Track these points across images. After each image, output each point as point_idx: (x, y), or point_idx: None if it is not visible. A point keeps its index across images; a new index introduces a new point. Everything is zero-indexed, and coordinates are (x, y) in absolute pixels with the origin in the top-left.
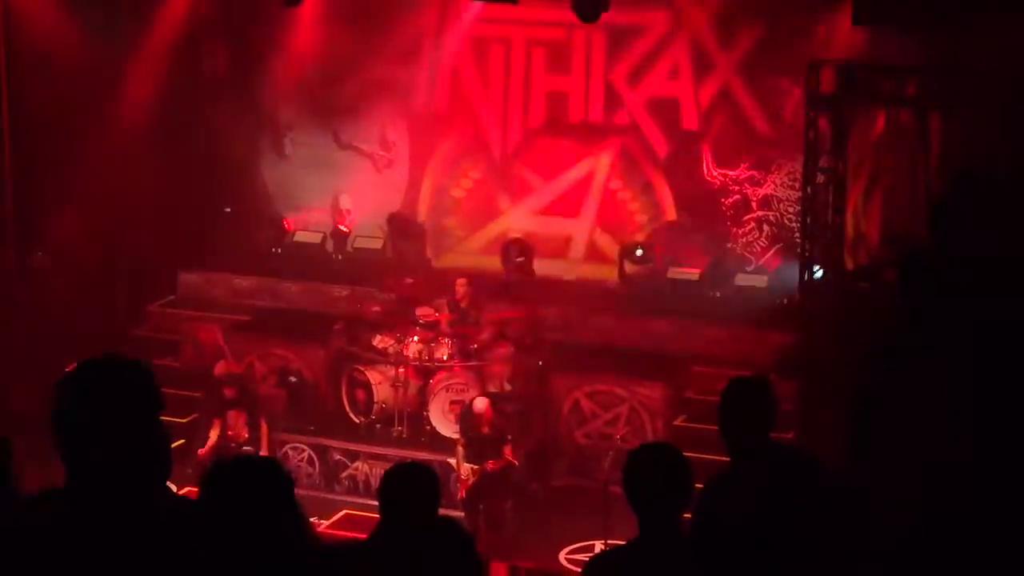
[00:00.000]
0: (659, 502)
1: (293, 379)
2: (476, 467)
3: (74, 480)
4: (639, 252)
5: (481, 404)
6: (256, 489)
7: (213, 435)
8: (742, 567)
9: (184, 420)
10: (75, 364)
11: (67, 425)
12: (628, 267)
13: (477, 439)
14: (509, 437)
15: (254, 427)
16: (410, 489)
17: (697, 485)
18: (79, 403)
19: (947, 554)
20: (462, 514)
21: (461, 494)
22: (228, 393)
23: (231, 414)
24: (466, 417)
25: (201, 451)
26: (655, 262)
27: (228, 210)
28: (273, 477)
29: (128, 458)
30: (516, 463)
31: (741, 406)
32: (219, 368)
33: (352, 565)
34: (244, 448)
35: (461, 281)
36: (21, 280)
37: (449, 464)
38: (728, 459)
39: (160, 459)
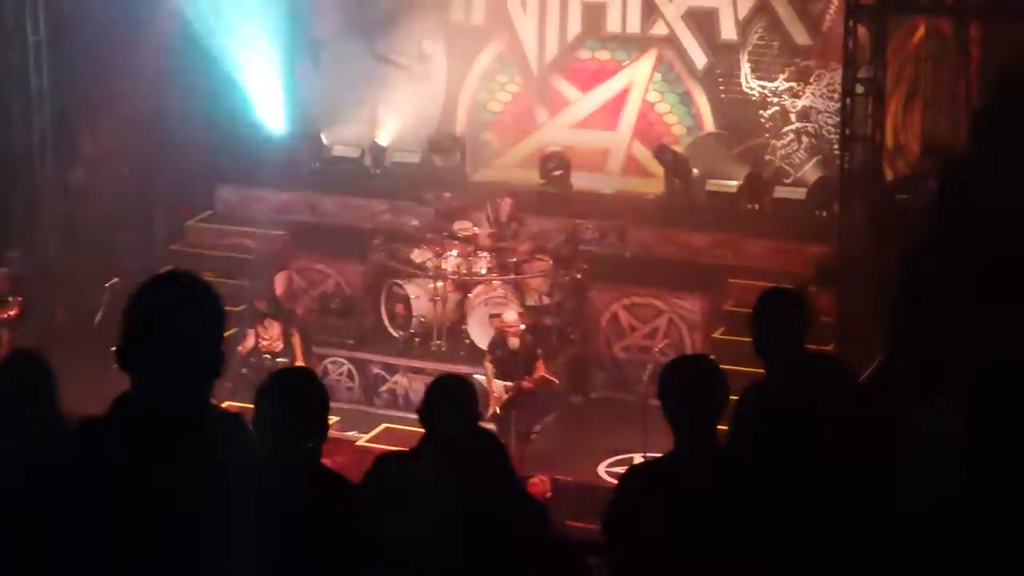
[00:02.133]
0: (695, 414)
1: (333, 306)
2: (509, 384)
3: (138, 390)
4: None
5: (511, 318)
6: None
7: (247, 346)
8: (776, 477)
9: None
10: (116, 280)
11: (142, 336)
12: (667, 179)
13: (507, 355)
14: (540, 352)
15: (287, 338)
16: (453, 401)
17: (733, 397)
18: (157, 315)
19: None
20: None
21: (492, 411)
22: (259, 305)
23: (263, 324)
24: (496, 335)
25: (240, 349)
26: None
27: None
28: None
29: (194, 371)
30: (555, 380)
31: (774, 317)
32: (279, 279)
33: (396, 476)
34: (279, 360)
35: (507, 200)
36: (60, 197)
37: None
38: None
39: (219, 372)
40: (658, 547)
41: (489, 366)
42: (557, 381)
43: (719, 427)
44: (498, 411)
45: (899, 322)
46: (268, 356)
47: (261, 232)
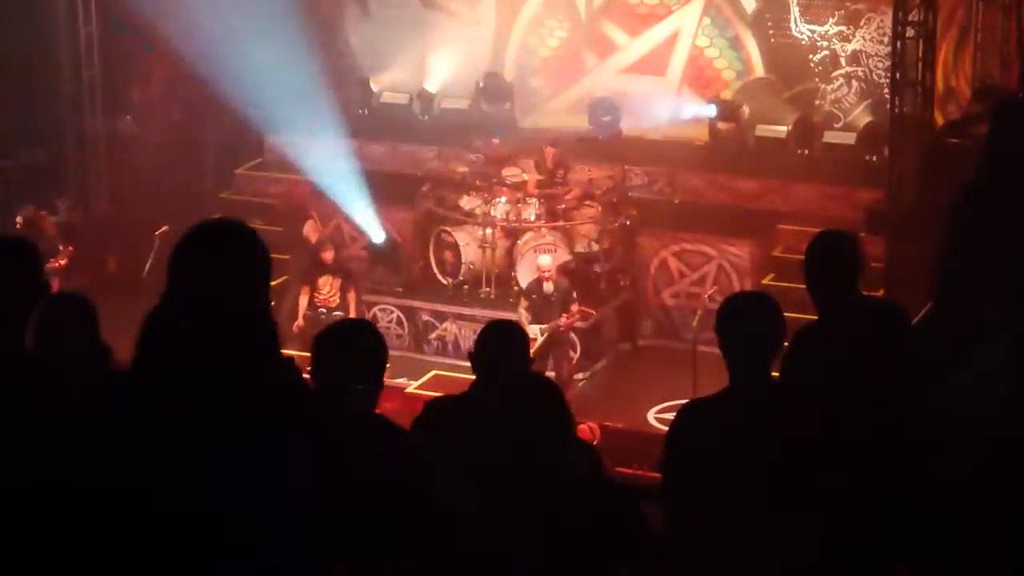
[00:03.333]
0: (752, 349)
1: (379, 244)
2: (544, 326)
3: (187, 339)
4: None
5: (545, 261)
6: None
7: (303, 302)
8: (830, 418)
9: (274, 283)
10: (166, 228)
11: (187, 284)
12: (718, 125)
13: (541, 299)
14: (575, 296)
15: (344, 293)
16: (511, 346)
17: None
18: (202, 263)
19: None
20: None
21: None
22: (326, 258)
23: (323, 279)
24: (533, 280)
25: (297, 325)
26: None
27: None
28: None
29: (242, 319)
30: (592, 311)
31: (828, 258)
32: (308, 229)
33: (450, 421)
34: (335, 313)
35: (550, 149)
36: (110, 145)
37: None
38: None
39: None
40: (713, 485)
41: (523, 312)
42: (594, 312)
43: (773, 368)
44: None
45: (947, 267)
46: (324, 310)
47: (303, 180)
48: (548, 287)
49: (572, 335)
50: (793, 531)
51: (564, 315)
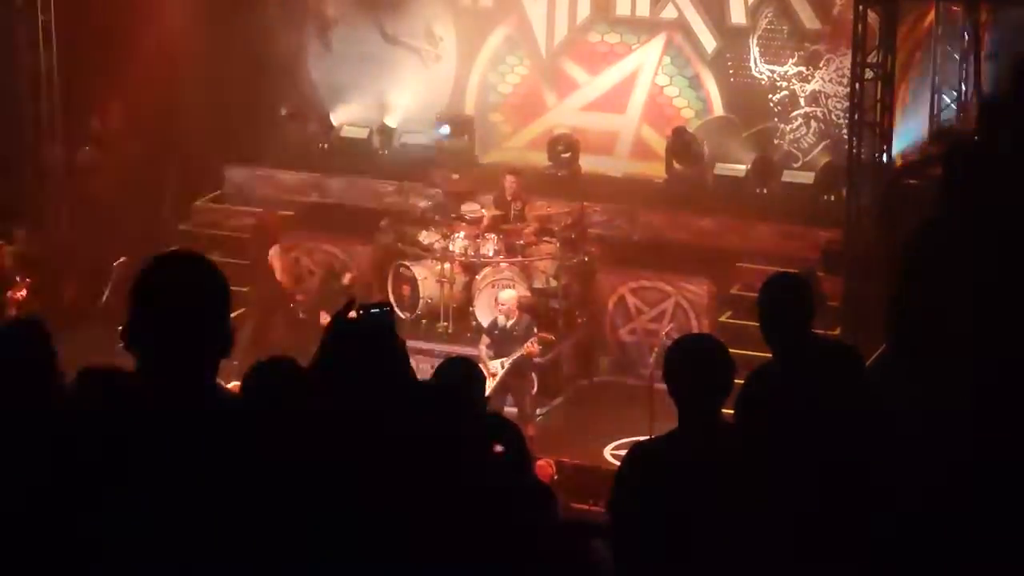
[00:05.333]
0: (700, 392)
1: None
2: (505, 360)
3: (145, 367)
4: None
5: (506, 297)
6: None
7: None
8: (782, 460)
9: (233, 314)
10: (124, 259)
11: (146, 315)
12: (675, 164)
13: (503, 335)
14: (536, 331)
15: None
16: (464, 382)
17: (738, 381)
18: (161, 294)
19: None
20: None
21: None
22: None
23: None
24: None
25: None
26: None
27: (284, 112)
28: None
29: (198, 350)
30: (552, 337)
31: (780, 301)
32: (272, 255)
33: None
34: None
35: (510, 178)
36: (69, 175)
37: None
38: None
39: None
40: (661, 525)
41: (483, 348)
42: (554, 338)
43: (723, 409)
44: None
45: (900, 309)
46: None
47: (261, 212)
48: (508, 322)
49: (531, 373)
50: (743, 570)
51: (528, 345)
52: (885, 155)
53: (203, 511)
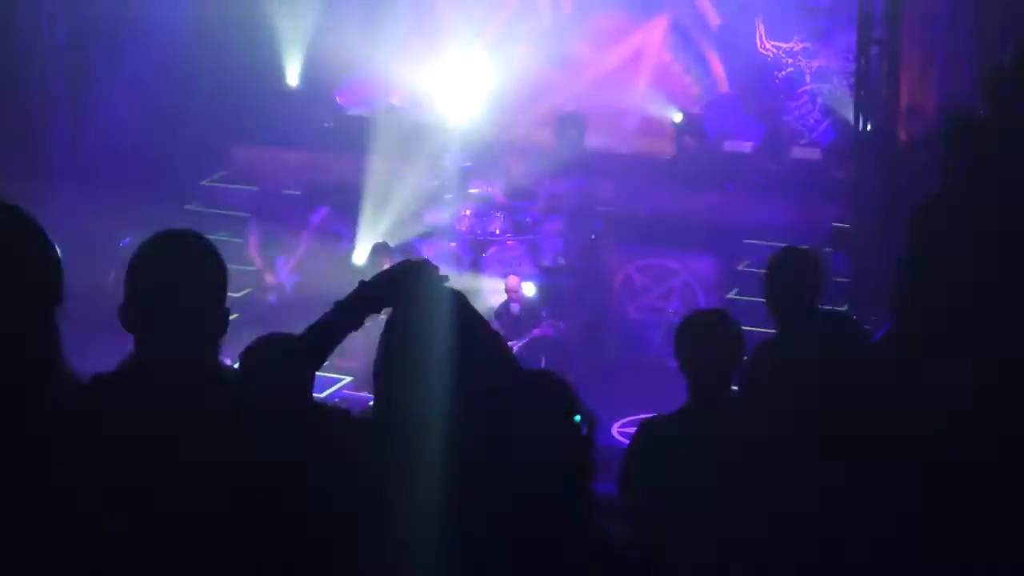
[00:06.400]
0: (710, 367)
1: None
2: (513, 344)
3: (142, 350)
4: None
5: (512, 282)
6: None
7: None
8: (789, 435)
9: (239, 294)
10: (129, 239)
11: (143, 295)
12: (682, 141)
13: (510, 320)
14: (544, 315)
15: None
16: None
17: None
18: (156, 272)
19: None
20: None
21: None
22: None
23: None
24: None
25: None
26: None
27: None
28: None
29: (195, 328)
30: (558, 323)
31: (787, 276)
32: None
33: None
34: None
35: (516, 163)
36: (74, 157)
37: None
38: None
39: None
40: (672, 500)
41: None
42: (560, 324)
43: (732, 384)
44: None
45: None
46: None
47: (271, 191)
48: (514, 307)
49: (542, 355)
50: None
51: (537, 330)
52: (892, 131)
53: (210, 491)
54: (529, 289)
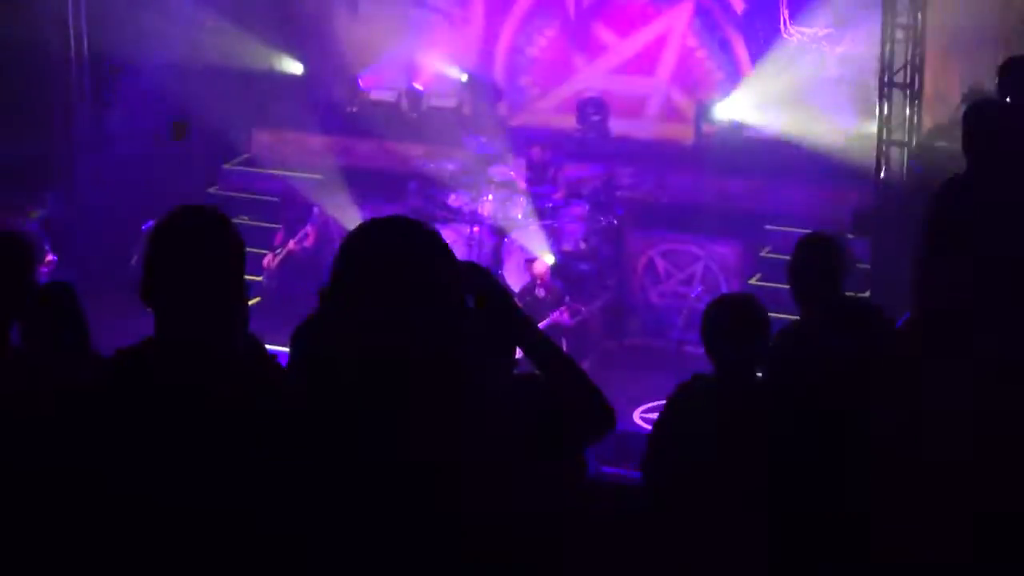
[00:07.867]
0: (737, 351)
1: None
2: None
3: (164, 328)
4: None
5: (540, 267)
6: None
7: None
8: (812, 418)
9: (259, 278)
10: (152, 223)
11: (162, 267)
12: (705, 125)
13: (534, 303)
14: (567, 300)
15: None
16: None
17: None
18: (176, 245)
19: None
20: None
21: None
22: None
23: None
24: (528, 283)
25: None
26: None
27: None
28: None
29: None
30: (581, 308)
31: (812, 262)
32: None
33: None
34: None
35: (536, 148)
36: (97, 140)
37: None
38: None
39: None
40: (695, 482)
41: None
42: (584, 309)
43: (757, 368)
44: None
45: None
46: None
47: (296, 176)
48: (539, 291)
49: (562, 337)
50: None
51: (556, 314)
52: (916, 116)
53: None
54: (549, 260)
